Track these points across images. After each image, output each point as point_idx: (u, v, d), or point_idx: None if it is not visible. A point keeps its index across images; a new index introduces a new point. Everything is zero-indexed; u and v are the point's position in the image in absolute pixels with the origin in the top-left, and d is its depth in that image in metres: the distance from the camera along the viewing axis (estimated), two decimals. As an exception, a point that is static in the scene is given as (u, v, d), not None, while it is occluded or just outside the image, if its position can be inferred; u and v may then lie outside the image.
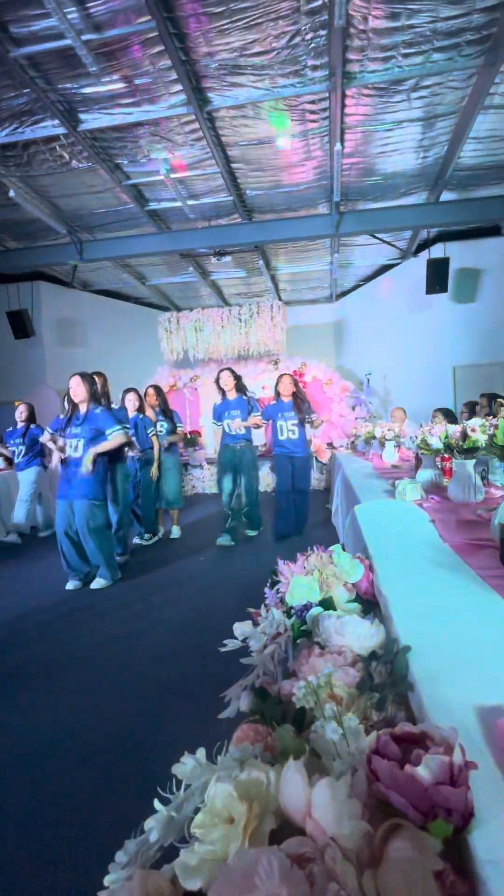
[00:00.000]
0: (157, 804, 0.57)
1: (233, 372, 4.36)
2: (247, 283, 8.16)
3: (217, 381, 4.35)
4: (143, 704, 1.87)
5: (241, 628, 1.05)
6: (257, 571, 3.34)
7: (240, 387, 4.35)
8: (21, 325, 6.81)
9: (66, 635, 2.51)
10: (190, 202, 5.40)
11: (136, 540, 4.49)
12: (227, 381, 4.31)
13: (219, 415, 4.35)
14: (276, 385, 4.31)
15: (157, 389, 4.74)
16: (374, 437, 4.11)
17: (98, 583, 3.26)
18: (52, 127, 4.05)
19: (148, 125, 4.11)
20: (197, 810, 0.55)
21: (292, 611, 1.17)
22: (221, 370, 4.37)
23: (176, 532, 4.73)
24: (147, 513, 4.53)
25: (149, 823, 0.54)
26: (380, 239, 6.55)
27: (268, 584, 1.30)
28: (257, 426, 4.18)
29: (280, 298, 8.72)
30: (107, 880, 0.48)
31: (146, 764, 1.46)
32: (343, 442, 7.43)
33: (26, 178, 4.85)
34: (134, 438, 4.33)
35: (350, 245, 6.90)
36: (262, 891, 0.37)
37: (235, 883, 0.38)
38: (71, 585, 3.17)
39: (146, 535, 4.52)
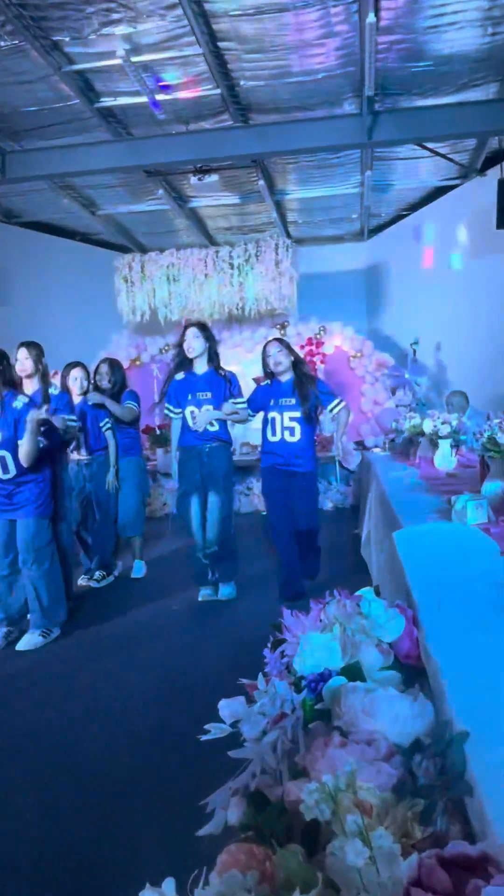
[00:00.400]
0: None
1: (203, 328, 3.94)
2: (241, 213, 8.17)
3: (180, 343, 3.95)
4: (93, 818, 1.87)
5: (229, 707, 1.05)
6: (253, 625, 3.35)
7: (212, 354, 3.94)
8: None
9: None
10: (160, 97, 5.41)
11: (82, 580, 4.50)
12: (194, 343, 3.86)
13: (178, 398, 3.94)
14: (263, 357, 3.93)
15: (114, 365, 4.76)
16: (421, 434, 4.13)
17: (28, 642, 3.28)
18: (-38, -11, 4.06)
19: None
20: None
21: (303, 682, 1.18)
22: (186, 326, 3.98)
23: (139, 569, 4.75)
24: (101, 541, 4.54)
25: None
26: (431, 150, 6.58)
27: (268, 645, 1.31)
28: (240, 420, 3.90)
29: (289, 235, 8.73)
30: None
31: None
32: (378, 440, 7.46)
33: None
34: (80, 435, 4.34)
35: (389, 159, 6.92)
36: None
37: None
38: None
39: (97, 574, 4.53)
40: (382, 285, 9.24)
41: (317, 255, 9.23)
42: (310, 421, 3.88)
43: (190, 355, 3.88)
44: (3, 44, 4.63)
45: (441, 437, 3.72)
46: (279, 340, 4.01)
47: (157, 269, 8.07)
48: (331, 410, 3.96)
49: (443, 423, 3.80)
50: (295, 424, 3.85)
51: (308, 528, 3.93)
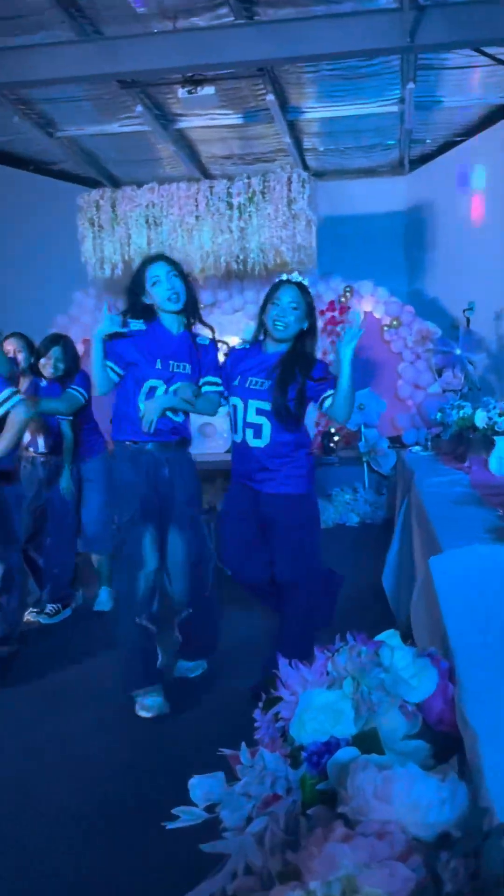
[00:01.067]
0: None
1: (173, 263, 3.33)
2: (244, 136, 8.15)
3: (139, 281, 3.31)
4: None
5: (203, 787, 1.05)
6: (240, 677, 3.31)
7: (189, 301, 3.32)
8: None
9: None
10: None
11: (30, 614, 4.51)
12: (166, 286, 3.23)
13: (130, 356, 3.29)
14: (264, 304, 3.29)
15: (66, 345, 4.68)
16: (474, 429, 4.12)
17: None
18: None
19: None
20: None
21: (303, 754, 1.18)
22: (153, 258, 3.36)
23: (105, 600, 4.75)
24: (55, 563, 4.55)
25: None
26: (491, 57, 6.55)
27: (259, 704, 1.31)
28: (203, 411, 3.34)
29: (306, 167, 8.70)
30: None
31: None
32: (420, 435, 7.44)
33: None
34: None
35: (437, 68, 6.90)
36: None
37: None
38: None
39: (50, 607, 4.54)
40: (427, 234, 9.21)
41: (342, 192, 9.21)
42: (286, 419, 3.18)
43: (156, 298, 3.25)
44: None
45: (499, 434, 3.71)
46: (301, 287, 3.24)
47: (133, 209, 8.03)
48: (321, 407, 3.27)
49: (501, 415, 3.78)
50: (262, 420, 3.21)
51: (288, 578, 3.25)
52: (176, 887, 1.00)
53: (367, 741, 1.15)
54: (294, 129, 7.94)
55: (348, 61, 6.51)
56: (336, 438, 8.08)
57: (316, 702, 1.18)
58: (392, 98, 7.33)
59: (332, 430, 8.04)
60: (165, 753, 2.77)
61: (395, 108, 7.50)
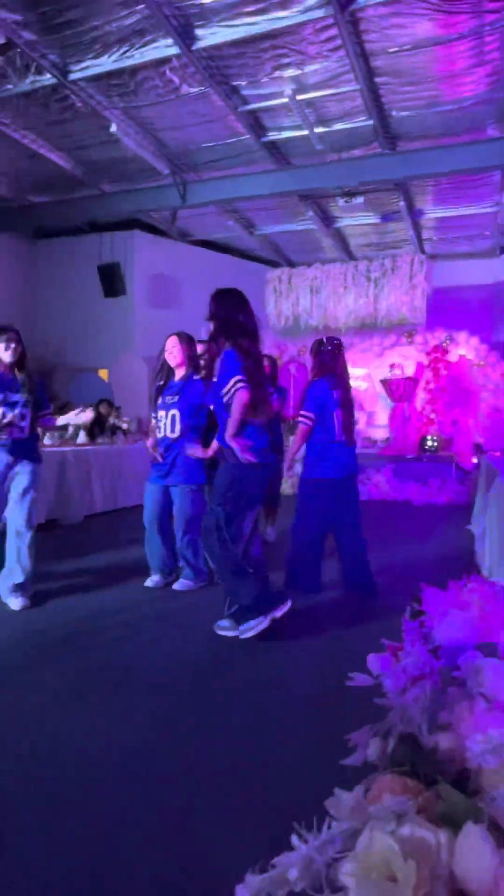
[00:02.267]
0: (294, 840, 0.61)
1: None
2: (380, 231, 7.97)
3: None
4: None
5: (377, 661, 1.07)
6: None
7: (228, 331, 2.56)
8: (112, 281, 7.40)
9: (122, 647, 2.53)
10: (318, 129, 5.41)
11: None
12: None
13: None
14: (318, 352, 3.19)
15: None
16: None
17: (182, 584, 3.32)
18: (164, 47, 4.31)
19: (275, 37, 4.19)
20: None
21: (440, 651, 1.16)
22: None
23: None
24: None
25: (284, 861, 0.59)
26: None
27: (407, 613, 1.30)
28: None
29: (423, 251, 8.39)
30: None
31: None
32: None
33: (130, 110, 5.22)
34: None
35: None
36: None
37: None
38: (151, 583, 3.36)
39: None
40: (511, 300, 8.60)
41: (449, 270, 8.79)
42: None
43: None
44: (193, 90, 4.86)
45: None
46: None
47: (302, 282, 8.10)
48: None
49: None
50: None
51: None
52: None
53: (489, 649, 1.11)
54: (416, 226, 7.66)
55: (460, 177, 6.20)
56: (431, 443, 7.74)
57: (453, 619, 1.15)
58: (490, 202, 6.89)
59: (429, 437, 7.71)
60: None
61: (491, 209, 7.05)
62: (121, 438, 5.81)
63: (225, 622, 2.56)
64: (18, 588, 2.93)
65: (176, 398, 3.27)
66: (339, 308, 7.87)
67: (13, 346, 2.92)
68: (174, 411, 3.26)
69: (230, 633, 2.50)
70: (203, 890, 1.07)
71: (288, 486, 6.10)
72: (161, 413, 3.30)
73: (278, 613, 2.41)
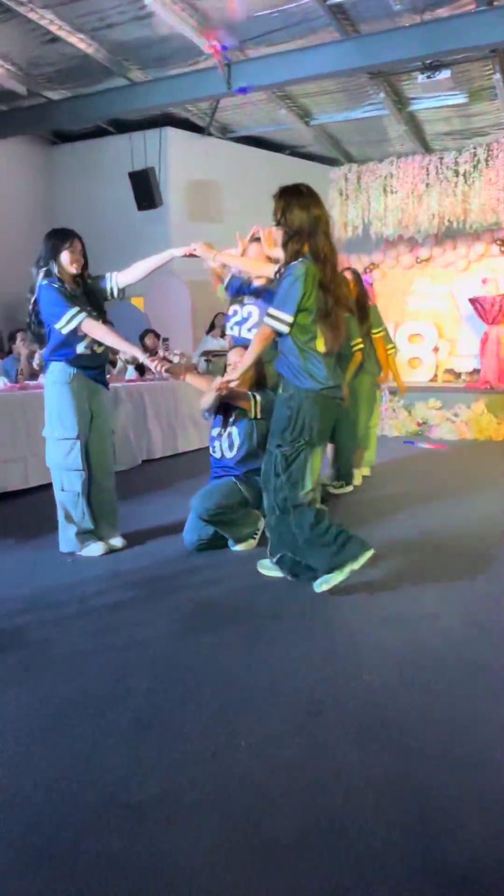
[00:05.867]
0: None
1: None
2: (464, 114, 7.60)
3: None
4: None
5: None
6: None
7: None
8: (146, 190, 7.34)
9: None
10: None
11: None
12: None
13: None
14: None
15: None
16: None
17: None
18: None
19: None
20: None
21: None
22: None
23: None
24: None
25: None
26: None
27: None
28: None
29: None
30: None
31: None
32: None
33: (167, -25, 5.05)
34: None
35: None
36: None
37: None
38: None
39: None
40: None
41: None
42: None
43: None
44: None
45: None
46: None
47: (373, 180, 7.83)
48: None
49: None
50: None
51: None
52: None
53: None
54: (513, 104, 7.27)
55: None
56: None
57: None
58: None
59: None
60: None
61: None
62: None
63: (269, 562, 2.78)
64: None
65: None
66: (419, 211, 7.62)
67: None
68: None
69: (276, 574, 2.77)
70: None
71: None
72: None
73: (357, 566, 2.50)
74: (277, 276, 2.67)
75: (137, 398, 5.45)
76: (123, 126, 8.25)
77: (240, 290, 3.42)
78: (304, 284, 2.48)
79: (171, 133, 8.14)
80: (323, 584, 2.54)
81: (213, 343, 7.35)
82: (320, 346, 2.56)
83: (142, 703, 1.84)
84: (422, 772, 1.53)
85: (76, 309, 2.96)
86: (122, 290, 3.26)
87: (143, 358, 3.08)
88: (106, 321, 3.17)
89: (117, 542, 3.27)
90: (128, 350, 3.18)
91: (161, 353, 5.66)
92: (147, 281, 8.50)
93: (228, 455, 3.23)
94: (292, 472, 2.56)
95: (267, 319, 2.57)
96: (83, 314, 2.96)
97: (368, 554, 2.52)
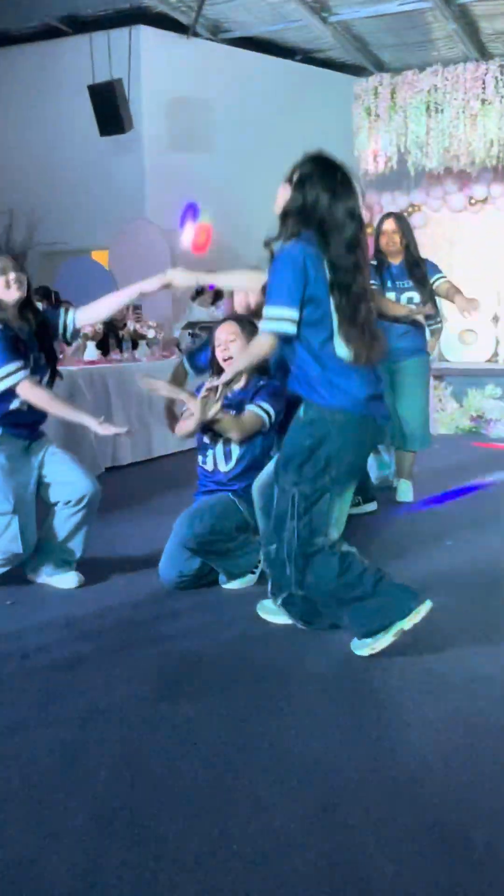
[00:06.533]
0: None
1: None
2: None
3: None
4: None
5: None
6: None
7: None
8: (111, 110, 7.34)
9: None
10: None
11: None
12: None
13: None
14: None
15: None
16: None
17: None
18: None
19: None
20: None
21: None
22: None
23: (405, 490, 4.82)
24: None
25: None
26: None
27: None
28: None
29: None
30: None
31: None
32: None
33: None
34: None
35: None
36: None
37: None
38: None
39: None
40: None
41: None
42: None
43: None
44: None
45: None
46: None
47: (412, 96, 7.75)
48: None
49: None
50: None
51: None
52: None
53: None
54: None
55: None
56: None
57: None
58: None
59: None
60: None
61: None
62: (145, 352, 5.89)
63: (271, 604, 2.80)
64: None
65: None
66: (473, 136, 7.56)
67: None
68: None
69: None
70: None
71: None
72: None
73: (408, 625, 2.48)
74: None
75: (99, 385, 5.44)
76: (82, 25, 8.24)
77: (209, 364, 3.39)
78: (302, 268, 2.43)
79: (145, 33, 8.16)
80: (366, 650, 2.52)
81: (201, 312, 7.36)
82: (341, 350, 2.49)
83: (101, 794, 1.83)
84: (477, 884, 1.52)
85: (15, 364, 3.00)
86: (76, 332, 3.39)
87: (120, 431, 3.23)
88: (55, 371, 3.30)
89: (71, 578, 3.26)
90: (81, 422, 3.24)
91: (130, 325, 5.66)
92: (113, 228, 8.61)
93: (224, 468, 3.23)
94: (313, 517, 2.52)
95: (266, 325, 2.52)
96: (22, 372, 3.01)
97: (424, 609, 2.49)
